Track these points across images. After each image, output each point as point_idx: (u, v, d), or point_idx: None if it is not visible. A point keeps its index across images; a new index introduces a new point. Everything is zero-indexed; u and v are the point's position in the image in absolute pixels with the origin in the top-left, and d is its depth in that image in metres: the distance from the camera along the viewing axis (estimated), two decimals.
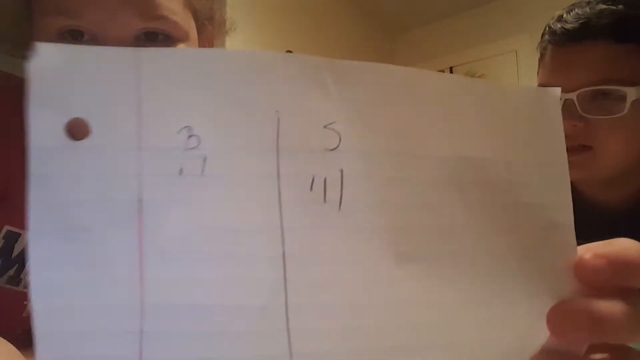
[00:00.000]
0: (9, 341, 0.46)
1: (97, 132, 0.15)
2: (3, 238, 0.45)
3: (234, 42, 0.61)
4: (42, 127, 0.15)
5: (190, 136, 0.16)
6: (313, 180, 0.16)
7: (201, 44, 0.50)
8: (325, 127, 0.16)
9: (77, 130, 0.15)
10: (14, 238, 0.46)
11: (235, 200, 0.16)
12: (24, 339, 0.47)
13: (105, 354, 0.16)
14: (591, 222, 0.35)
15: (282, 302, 0.16)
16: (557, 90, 0.19)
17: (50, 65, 0.15)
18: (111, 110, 0.15)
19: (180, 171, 0.16)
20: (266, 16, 2.14)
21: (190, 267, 0.16)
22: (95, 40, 0.41)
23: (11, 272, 0.46)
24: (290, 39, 2.28)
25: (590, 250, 0.17)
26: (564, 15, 0.55)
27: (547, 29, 0.58)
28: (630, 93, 0.49)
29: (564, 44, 0.55)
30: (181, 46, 0.45)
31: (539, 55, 0.62)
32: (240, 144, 0.16)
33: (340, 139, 0.17)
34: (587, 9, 0.53)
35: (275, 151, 0.16)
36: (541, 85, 0.57)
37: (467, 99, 0.18)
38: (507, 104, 0.19)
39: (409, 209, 0.17)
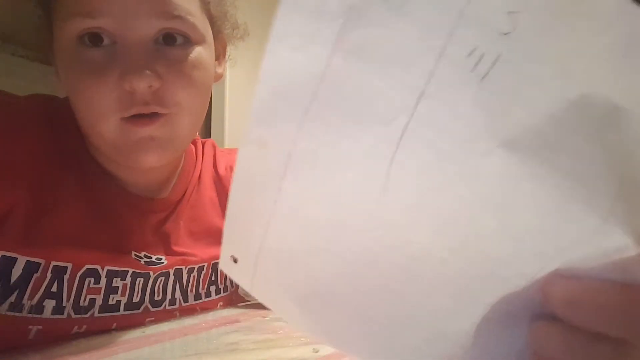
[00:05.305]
0: None
1: None
2: None
3: (247, 45, 0.57)
4: None
5: None
6: (474, 51, 0.17)
7: (215, 50, 0.50)
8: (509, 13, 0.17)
9: None
10: (10, 263, 0.42)
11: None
12: None
13: None
14: None
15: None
16: None
17: None
18: None
19: None
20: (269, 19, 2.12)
21: None
22: (115, 43, 0.40)
23: (12, 298, 0.41)
24: None
25: None
26: None
27: None
28: None
29: None
30: (198, 49, 0.44)
31: None
32: None
33: (515, 29, 0.16)
34: None
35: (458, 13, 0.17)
36: None
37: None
38: None
39: (543, 106, 0.17)
